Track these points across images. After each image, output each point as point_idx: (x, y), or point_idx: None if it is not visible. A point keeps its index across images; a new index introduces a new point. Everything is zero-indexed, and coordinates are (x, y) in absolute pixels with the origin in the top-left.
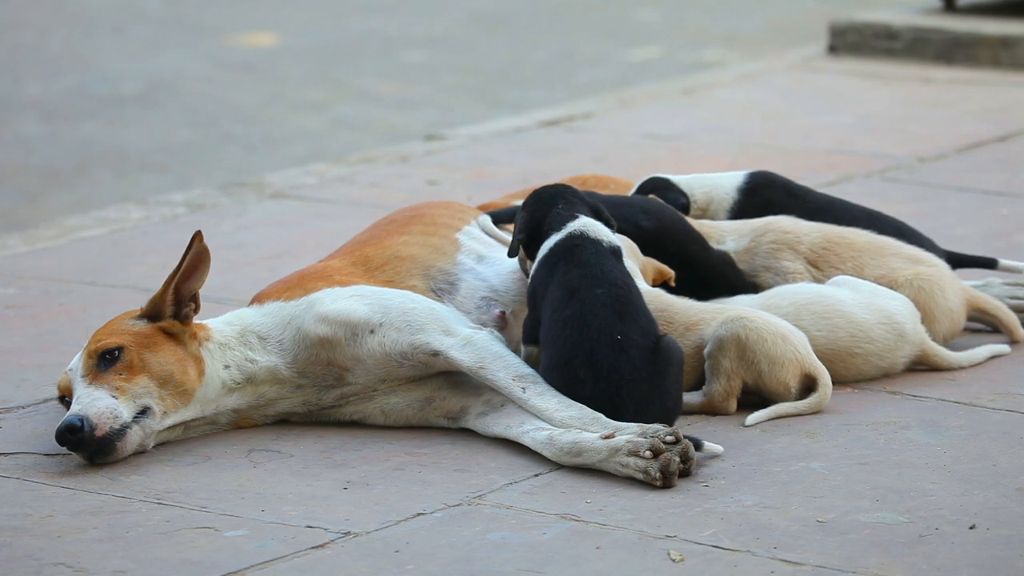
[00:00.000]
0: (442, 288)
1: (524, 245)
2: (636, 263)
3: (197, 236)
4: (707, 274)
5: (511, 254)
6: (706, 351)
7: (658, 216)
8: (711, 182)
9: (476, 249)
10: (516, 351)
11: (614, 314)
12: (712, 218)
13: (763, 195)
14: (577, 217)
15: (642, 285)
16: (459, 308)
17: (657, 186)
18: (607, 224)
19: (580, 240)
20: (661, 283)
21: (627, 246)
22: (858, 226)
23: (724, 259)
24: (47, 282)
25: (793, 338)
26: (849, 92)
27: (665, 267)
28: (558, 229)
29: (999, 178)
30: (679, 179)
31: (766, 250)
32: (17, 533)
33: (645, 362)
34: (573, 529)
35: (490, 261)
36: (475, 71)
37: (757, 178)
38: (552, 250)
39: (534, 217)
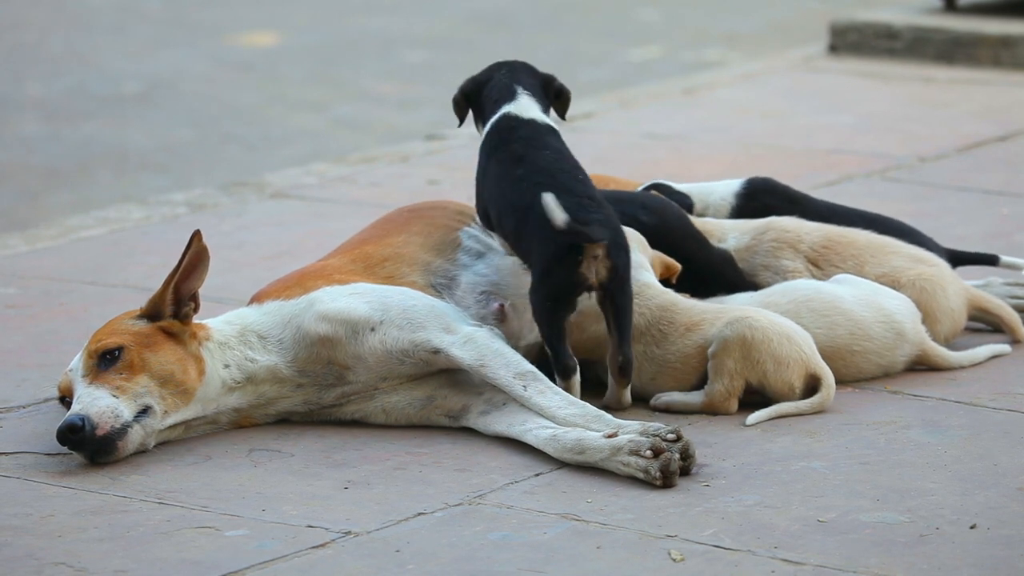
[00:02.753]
0: (441, 284)
1: (463, 106)
2: (645, 256)
3: (196, 235)
4: (706, 272)
5: (459, 124)
6: (710, 351)
7: (659, 212)
8: (705, 189)
9: (474, 246)
10: (516, 346)
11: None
12: None
13: (762, 200)
14: (516, 96)
15: (650, 281)
16: (458, 304)
17: (659, 191)
18: (560, 93)
19: (515, 122)
20: (664, 280)
21: (636, 239)
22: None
23: (724, 257)
24: (47, 282)
25: (798, 338)
26: (850, 92)
27: (672, 261)
28: (494, 108)
29: (1000, 178)
30: (679, 187)
31: (767, 249)
32: (18, 533)
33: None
34: (574, 529)
35: (488, 257)
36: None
37: (756, 183)
38: (488, 135)
39: (476, 80)
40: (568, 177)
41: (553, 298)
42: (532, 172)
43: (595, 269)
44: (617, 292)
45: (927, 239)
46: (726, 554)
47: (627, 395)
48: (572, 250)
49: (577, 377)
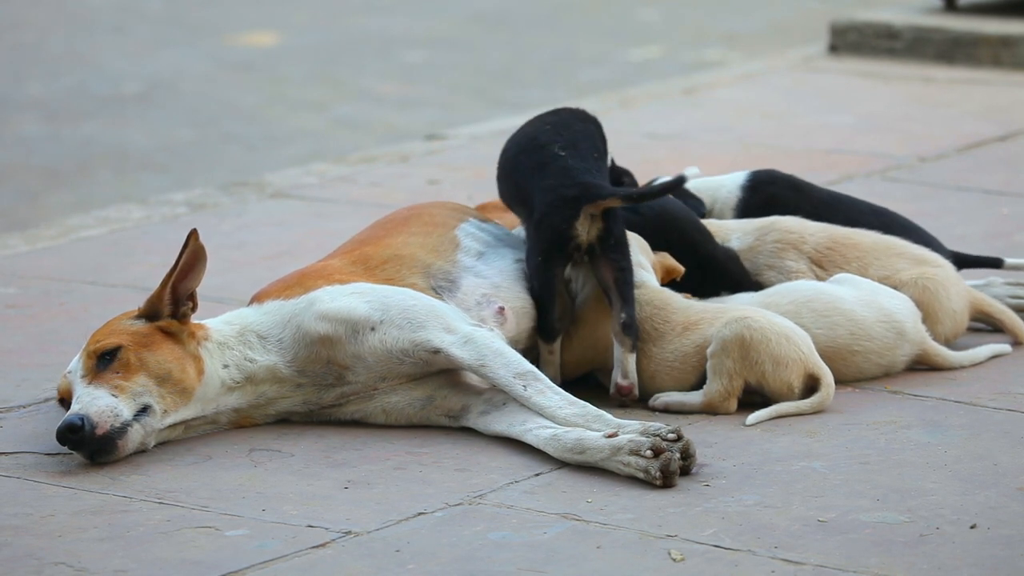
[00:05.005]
0: (442, 286)
1: None
2: (647, 259)
3: (192, 234)
4: (709, 264)
5: None
6: (709, 351)
7: (660, 203)
8: (714, 184)
9: (473, 245)
10: (516, 348)
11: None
12: (718, 219)
13: (767, 191)
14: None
15: (646, 280)
16: (459, 305)
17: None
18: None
19: (575, 108)
20: (668, 281)
21: (637, 243)
22: (864, 222)
23: (729, 254)
24: (47, 282)
25: (797, 338)
26: (850, 92)
27: (674, 264)
28: None
29: (1000, 178)
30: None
31: (770, 249)
32: (18, 532)
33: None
34: (574, 529)
35: (489, 258)
36: (475, 71)
37: (761, 175)
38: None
39: None
40: (587, 148)
41: (545, 251)
42: (560, 127)
43: (588, 228)
44: (616, 254)
45: (932, 238)
46: (726, 554)
47: (632, 364)
48: (572, 202)
49: (558, 344)
